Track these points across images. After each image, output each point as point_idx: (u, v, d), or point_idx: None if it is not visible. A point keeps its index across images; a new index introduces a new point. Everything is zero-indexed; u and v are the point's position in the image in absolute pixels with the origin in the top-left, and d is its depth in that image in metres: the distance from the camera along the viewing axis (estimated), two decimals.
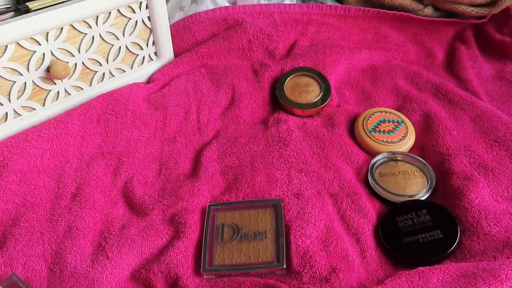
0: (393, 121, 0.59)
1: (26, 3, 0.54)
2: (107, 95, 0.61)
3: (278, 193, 0.51)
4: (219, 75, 0.68)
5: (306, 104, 0.63)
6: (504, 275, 0.37)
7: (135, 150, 0.57)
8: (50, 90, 0.58)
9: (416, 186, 0.52)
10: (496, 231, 0.44)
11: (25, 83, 0.55)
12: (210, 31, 0.73)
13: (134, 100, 0.62)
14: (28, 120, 0.57)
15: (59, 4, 0.54)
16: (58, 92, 0.59)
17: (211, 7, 0.74)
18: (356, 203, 0.50)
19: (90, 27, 0.58)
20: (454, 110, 0.61)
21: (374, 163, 0.54)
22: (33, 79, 0.56)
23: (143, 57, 0.67)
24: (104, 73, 0.63)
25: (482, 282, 0.37)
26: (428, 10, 0.77)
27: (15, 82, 0.54)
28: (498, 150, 0.54)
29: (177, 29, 0.73)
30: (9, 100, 0.55)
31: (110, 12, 0.59)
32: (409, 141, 0.57)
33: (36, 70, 0.55)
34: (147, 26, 0.65)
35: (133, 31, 0.63)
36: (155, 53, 0.68)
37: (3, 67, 0.53)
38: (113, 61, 0.63)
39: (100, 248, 0.47)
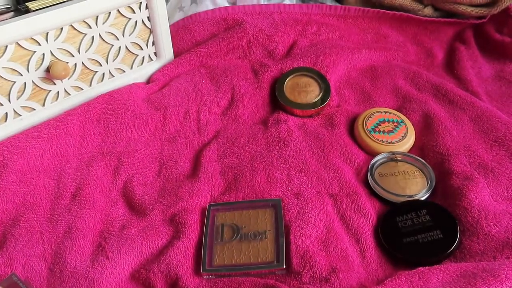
0: (393, 121, 0.59)
1: (26, 3, 0.54)
2: (107, 95, 0.62)
3: (278, 193, 0.51)
4: (219, 75, 0.68)
5: (306, 104, 0.63)
6: (504, 275, 0.37)
7: (135, 150, 0.57)
8: (50, 90, 0.58)
9: (416, 186, 0.52)
10: (496, 231, 0.44)
11: (25, 83, 0.55)
12: (210, 31, 0.73)
13: (134, 100, 0.62)
14: (28, 120, 0.57)
15: (59, 4, 0.54)
16: (58, 92, 0.59)
17: (210, 7, 0.74)
18: (356, 203, 0.50)
19: (90, 27, 0.58)
20: (454, 110, 0.61)
21: (374, 163, 0.54)
22: (33, 79, 0.56)
23: (143, 57, 0.67)
24: (104, 73, 0.63)
25: (482, 282, 0.37)
26: (428, 10, 0.77)
27: (15, 82, 0.54)
28: (498, 150, 0.54)
29: (177, 29, 0.73)
30: (9, 100, 0.55)
31: (110, 12, 0.59)
32: (409, 141, 0.57)
33: (36, 70, 0.55)
34: (147, 26, 0.65)
35: (133, 31, 0.63)
36: (155, 53, 0.68)
37: (3, 67, 0.53)
38: (113, 61, 0.63)
39: (100, 248, 0.47)
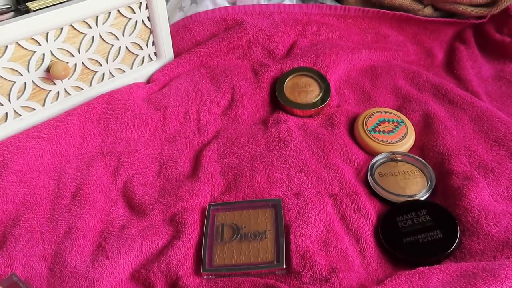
0: (393, 121, 0.59)
1: (26, 3, 0.54)
2: (107, 95, 0.62)
3: (278, 193, 0.51)
4: (219, 75, 0.68)
5: (306, 104, 0.63)
6: (504, 275, 0.37)
7: (135, 150, 0.57)
8: (50, 90, 0.58)
9: (416, 186, 0.52)
10: (496, 231, 0.44)
11: (25, 83, 0.55)
12: (210, 31, 0.73)
13: (134, 100, 0.62)
14: (28, 120, 0.57)
15: (59, 4, 0.54)
16: (58, 92, 0.59)
17: (211, 7, 0.74)
18: (356, 203, 0.50)
19: (90, 27, 0.58)
20: (454, 110, 0.61)
21: (374, 163, 0.54)
22: (33, 79, 0.56)
23: (143, 57, 0.67)
24: (104, 73, 0.63)
25: (482, 282, 0.37)
26: (428, 10, 0.77)
27: (15, 82, 0.54)
28: (498, 150, 0.54)
29: (177, 29, 0.73)
30: (9, 100, 0.55)
31: (110, 13, 0.59)
32: (409, 141, 0.57)
33: (36, 70, 0.55)
34: (147, 27, 0.65)
35: (133, 31, 0.63)
36: (155, 53, 0.68)
37: (3, 67, 0.53)
38: (113, 61, 0.63)
39: (100, 248, 0.47)
